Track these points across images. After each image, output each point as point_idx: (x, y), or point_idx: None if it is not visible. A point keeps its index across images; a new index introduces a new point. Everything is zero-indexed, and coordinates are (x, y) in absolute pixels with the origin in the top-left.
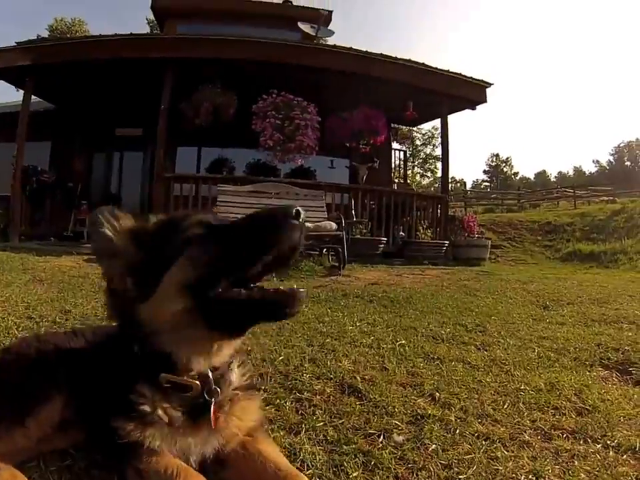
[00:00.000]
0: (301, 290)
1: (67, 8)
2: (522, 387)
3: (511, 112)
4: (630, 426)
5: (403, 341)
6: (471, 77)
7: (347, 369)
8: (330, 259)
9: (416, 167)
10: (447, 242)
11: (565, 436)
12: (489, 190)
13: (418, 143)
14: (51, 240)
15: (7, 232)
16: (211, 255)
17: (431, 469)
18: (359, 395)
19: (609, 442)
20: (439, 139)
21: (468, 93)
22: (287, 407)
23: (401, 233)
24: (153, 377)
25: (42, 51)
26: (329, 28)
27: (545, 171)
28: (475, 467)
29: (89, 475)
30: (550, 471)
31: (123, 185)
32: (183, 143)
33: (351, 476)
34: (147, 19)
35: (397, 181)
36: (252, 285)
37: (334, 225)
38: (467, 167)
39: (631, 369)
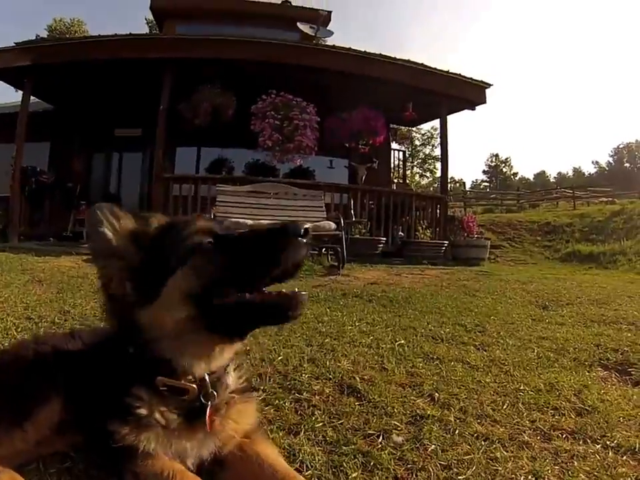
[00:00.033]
0: (303, 293)
1: (67, 8)
2: (521, 387)
3: (510, 112)
4: (629, 426)
5: (402, 341)
6: (471, 78)
7: (346, 369)
8: (329, 258)
9: (415, 167)
10: (446, 242)
11: (564, 436)
12: (488, 190)
13: (417, 143)
14: (50, 240)
15: (6, 232)
16: (217, 267)
17: (430, 470)
18: (358, 395)
19: (608, 442)
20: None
21: (467, 93)
22: (286, 408)
23: (400, 232)
24: (150, 380)
25: (41, 51)
26: (328, 28)
27: (544, 172)
28: (474, 468)
29: (89, 477)
30: (549, 472)
31: (122, 186)
32: (182, 143)
33: (350, 477)
34: (146, 19)
35: (396, 181)
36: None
37: (333, 225)
38: (466, 167)
39: (630, 370)
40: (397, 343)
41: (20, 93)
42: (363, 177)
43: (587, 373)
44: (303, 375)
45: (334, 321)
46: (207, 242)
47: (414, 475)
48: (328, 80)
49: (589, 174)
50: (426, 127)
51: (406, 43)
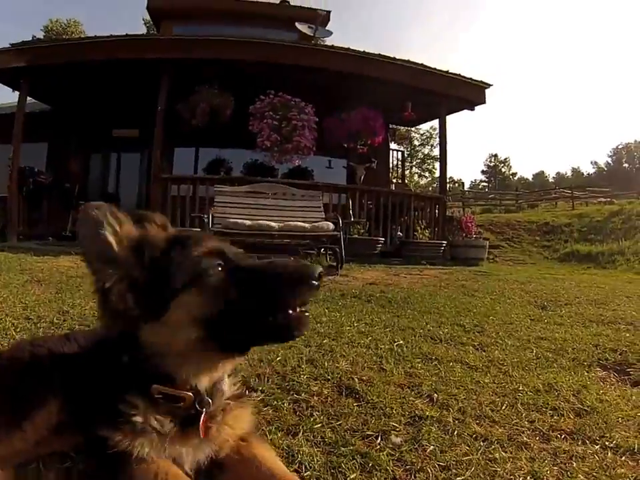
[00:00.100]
0: (307, 313)
1: (67, 8)
2: (520, 388)
3: (509, 113)
4: (628, 427)
5: (401, 342)
6: (470, 78)
7: (345, 369)
8: (328, 258)
9: (414, 167)
10: (445, 242)
11: (563, 437)
12: (487, 190)
13: (416, 143)
14: (49, 240)
15: (5, 232)
16: (227, 294)
17: (429, 471)
18: (357, 396)
19: (607, 443)
20: (437, 139)
21: (467, 93)
22: (285, 408)
23: (399, 233)
24: (145, 388)
25: (37, 52)
26: (326, 28)
27: (543, 172)
28: (473, 469)
29: (88, 477)
30: (548, 472)
31: (121, 186)
32: (180, 144)
33: (348, 478)
34: (143, 20)
35: (394, 181)
36: None
37: (331, 225)
38: (465, 167)
39: (628, 370)
40: (395, 344)
41: (17, 93)
42: (362, 177)
43: (586, 373)
44: (302, 375)
45: (332, 322)
46: (217, 264)
47: (412, 476)
48: (326, 80)
49: (588, 174)
50: (425, 126)
51: (406, 43)
